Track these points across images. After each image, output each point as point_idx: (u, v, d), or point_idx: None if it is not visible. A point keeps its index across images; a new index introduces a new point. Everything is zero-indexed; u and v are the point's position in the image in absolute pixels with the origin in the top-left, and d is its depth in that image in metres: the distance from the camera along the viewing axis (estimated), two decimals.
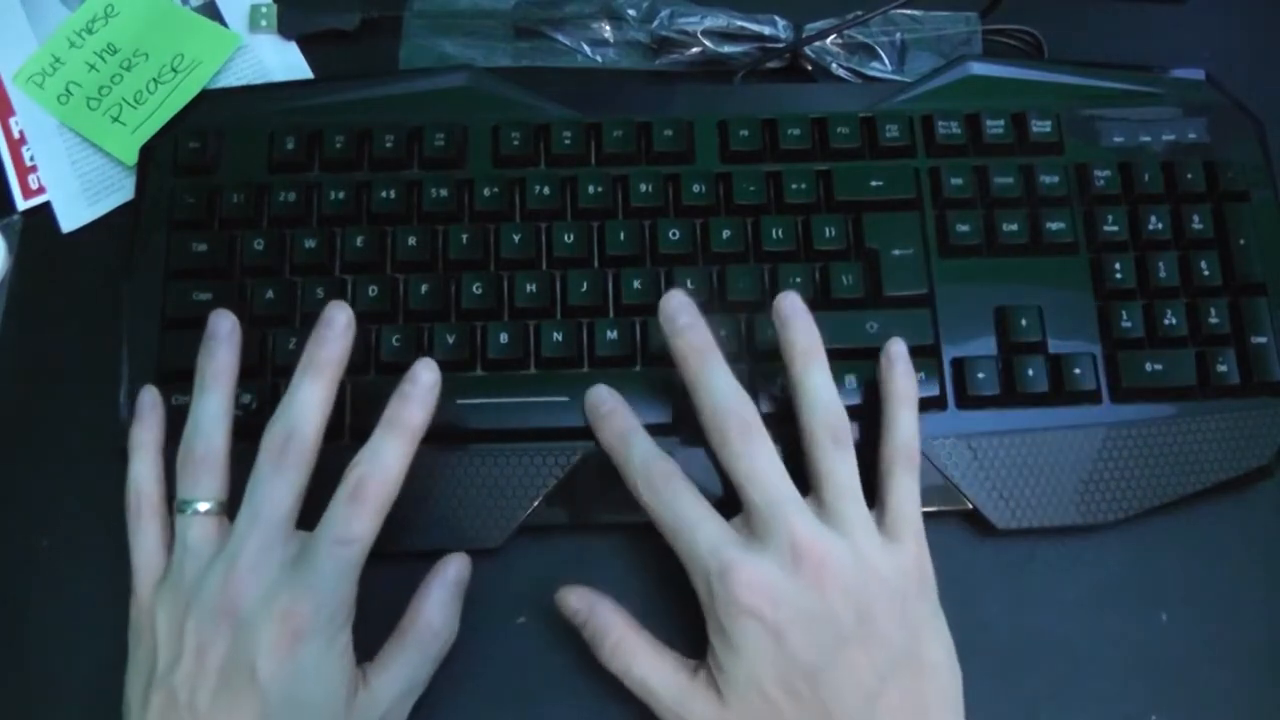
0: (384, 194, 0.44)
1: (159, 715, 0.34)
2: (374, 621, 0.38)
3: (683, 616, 0.41)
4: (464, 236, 0.43)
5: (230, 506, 0.36)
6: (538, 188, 0.44)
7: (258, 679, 0.33)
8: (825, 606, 0.34)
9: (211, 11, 0.51)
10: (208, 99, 0.47)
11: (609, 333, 0.42)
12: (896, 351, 0.40)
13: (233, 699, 0.33)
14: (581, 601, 0.38)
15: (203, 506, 0.36)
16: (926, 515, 0.38)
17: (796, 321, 0.38)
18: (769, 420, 0.41)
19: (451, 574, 0.39)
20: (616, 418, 0.39)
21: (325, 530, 0.35)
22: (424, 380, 0.37)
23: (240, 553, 0.34)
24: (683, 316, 0.38)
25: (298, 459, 0.36)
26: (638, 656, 0.37)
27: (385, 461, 0.36)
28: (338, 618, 0.35)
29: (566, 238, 0.43)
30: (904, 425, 0.38)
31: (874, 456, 0.39)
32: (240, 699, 0.33)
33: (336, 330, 0.38)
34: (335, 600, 0.34)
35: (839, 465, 0.37)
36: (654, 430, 0.41)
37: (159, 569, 0.36)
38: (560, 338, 0.42)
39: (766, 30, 0.49)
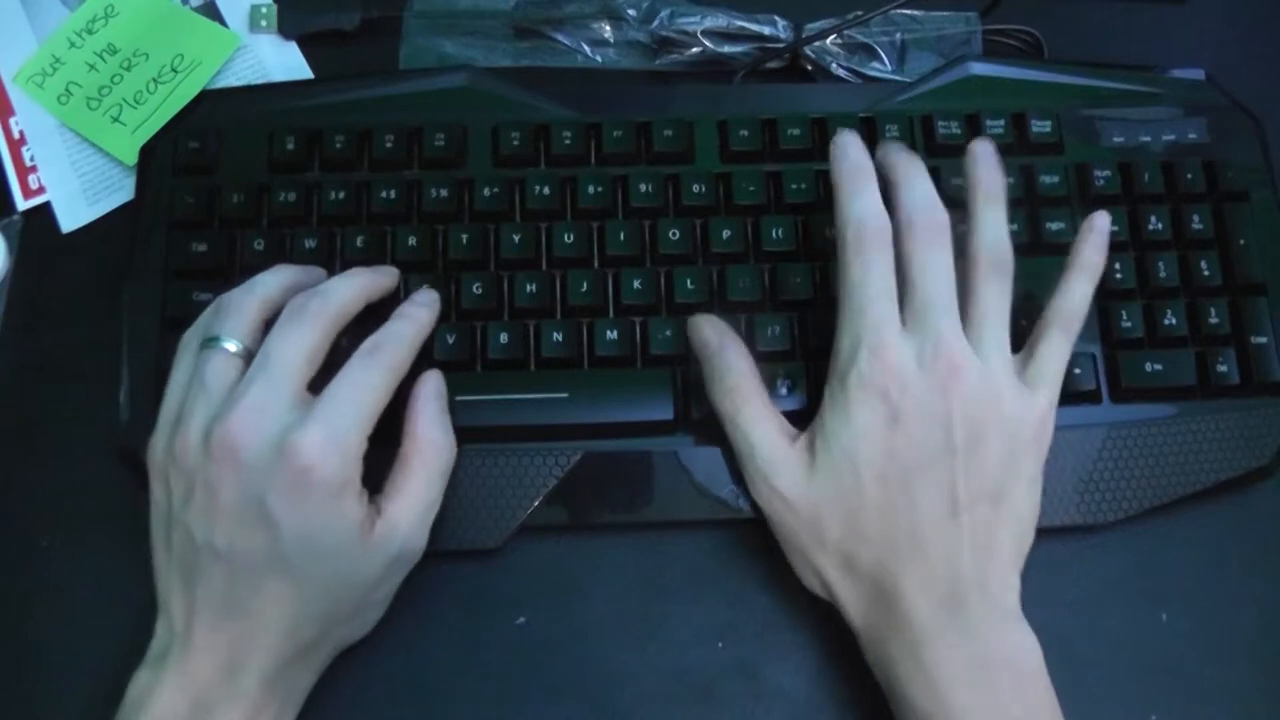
0: (384, 194, 0.44)
1: (180, 553, 0.35)
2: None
3: (684, 616, 0.41)
4: (464, 236, 0.43)
5: None
6: (538, 188, 0.44)
7: (270, 517, 0.34)
8: (944, 411, 0.35)
9: (211, 11, 0.51)
10: (208, 99, 0.47)
11: (609, 333, 0.42)
12: (1100, 224, 0.40)
13: (248, 536, 0.34)
14: (714, 334, 0.39)
15: (229, 345, 0.36)
16: None
17: (987, 161, 0.39)
18: None
19: (432, 389, 0.39)
20: (854, 150, 0.38)
21: (341, 378, 0.36)
22: (430, 293, 0.41)
23: (246, 392, 0.35)
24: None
25: (318, 317, 0.36)
26: (749, 405, 0.38)
27: (401, 333, 0.38)
28: (347, 461, 0.35)
29: (566, 238, 0.43)
30: (1077, 292, 0.39)
31: None
32: (255, 536, 0.34)
33: (393, 273, 0.41)
34: (345, 442, 0.35)
35: (993, 292, 0.37)
36: (654, 429, 0.41)
37: (179, 406, 0.37)
38: (560, 338, 0.42)
39: (766, 30, 0.49)
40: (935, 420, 0.35)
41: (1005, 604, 0.36)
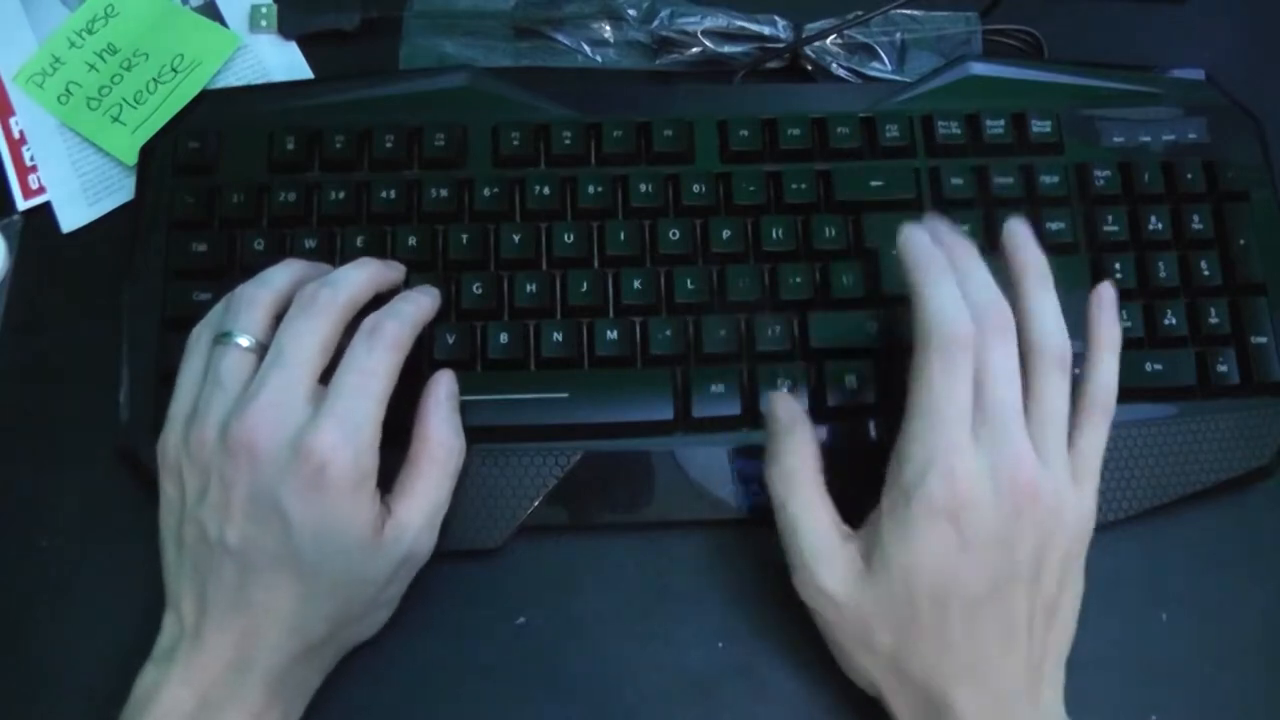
0: (384, 194, 0.44)
1: (193, 550, 0.35)
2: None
3: (684, 616, 0.41)
4: (464, 236, 0.43)
5: None
6: (538, 188, 0.44)
7: (285, 516, 0.34)
8: (1015, 536, 0.34)
9: (211, 11, 0.51)
10: (208, 99, 0.47)
11: (609, 333, 0.42)
12: (1108, 297, 0.38)
13: (260, 533, 0.34)
14: (785, 414, 0.38)
15: (242, 341, 0.36)
16: None
17: (1028, 244, 0.38)
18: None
19: (443, 391, 0.39)
20: (925, 249, 0.36)
21: (346, 365, 0.36)
22: (430, 288, 0.41)
23: (262, 389, 0.35)
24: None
25: (328, 308, 0.36)
26: (802, 492, 0.36)
27: (402, 311, 0.38)
28: (362, 456, 0.35)
29: (566, 238, 0.43)
30: (1105, 370, 0.37)
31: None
32: (267, 533, 0.34)
33: (399, 267, 0.41)
34: (359, 436, 0.35)
35: (1057, 389, 0.36)
36: (654, 429, 0.41)
37: (192, 402, 0.37)
38: (560, 338, 0.42)
39: (766, 30, 0.49)
40: (1004, 546, 0.34)
41: (1052, 713, 0.35)
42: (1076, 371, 0.37)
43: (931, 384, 0.34)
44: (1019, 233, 0.38)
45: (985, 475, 0.34)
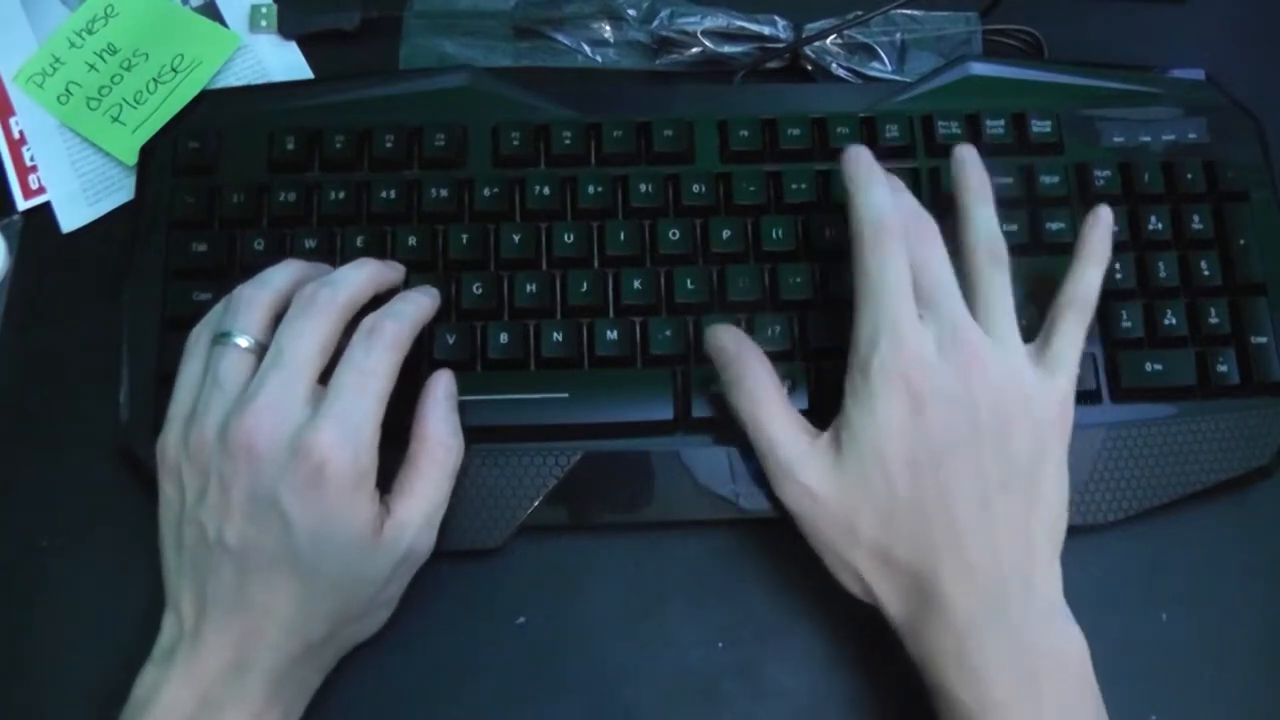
0: (384, 194, 0.44)
1: (192, 550, 0.35)
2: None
3: (684, 616, 0.41)
4: (464, 236, 0.43)
5: None
6: (538, 188, 0.44)
7: (284, 515, 0.34)
8: (968, 395, 0.35)
9: (211, 11, 0.51)
10: (208, 99, 0.47)
11: (609, 333, 0.42)
12: (1105, 218, 0.40)
13: (260, 533, 0.34)
14: (731, 341, 0.39)
15: (241, 341, 0.36)
16: None
17: (973, 163, 0.40)
18: None
19: (442, 390, 0.39)
20: (864, 159, 0.39)
21: (345, 365, 0.36)
22: (430, 288, 0.41)
23: (261, 389, 0.35)
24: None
25: (328, 308, 0.36)
26: (767, 404, 0.38)
27: (401, 311, 0.38)
28: (361, 455, 0.35)
29: (566, 238, 0.43)
30: (1087, 279, 0.39)
31: None
32: (267, 533, 0.34)
33: (399, 268, 0.41)
34: (357, 436, 0.35)
35: (996, 282, 0.37)
36: (654, 429, 0.41)
37: (191, 402, 0.37)
38: (560, 338, 0.42)
39: (766, 30, 0.49)
40: (960, 405, 0.35)
41: (1049, 597, 0.36)
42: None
43: (868, 268, 0.36)
44: (963, 156, 0.40)
45: (930, 340, 0.36)
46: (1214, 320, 0.43)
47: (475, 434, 0.40)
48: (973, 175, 0.40)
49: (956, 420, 0.35)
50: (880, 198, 0.37)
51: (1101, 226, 0.40)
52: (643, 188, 0.44)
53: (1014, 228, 0.44)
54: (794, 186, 0.44)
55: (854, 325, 0.37)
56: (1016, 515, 0.35)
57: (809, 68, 0.50)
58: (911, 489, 0.35)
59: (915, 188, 0.44)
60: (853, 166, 0.39)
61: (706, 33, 0.49)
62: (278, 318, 0.37)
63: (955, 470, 0.35)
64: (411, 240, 0.43)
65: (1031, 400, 0.36)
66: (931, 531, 0.35)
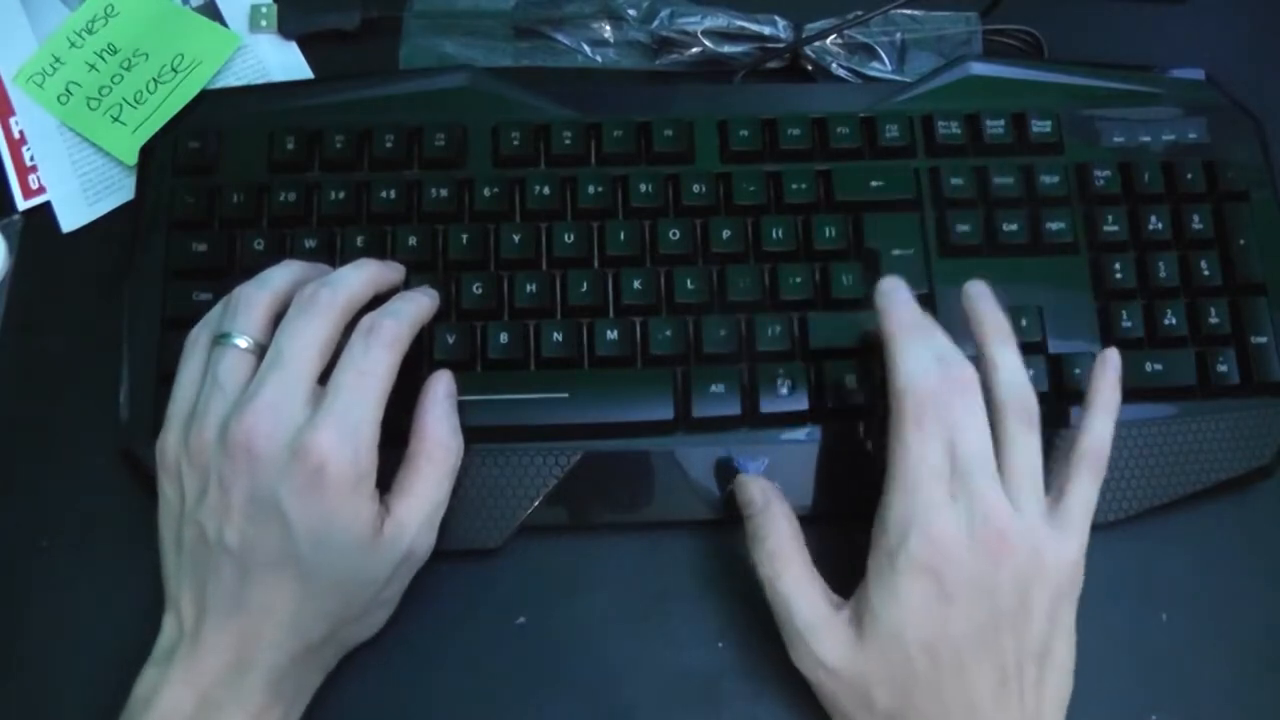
0: (384, 194, 0.44)
1: (192, 550, 0.35)
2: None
3: (684, 616, 0.41)
4: (464, 236, 0.43)
5: None
6: (538, 188, 0.44)
7: (283, 516, 0.34)
8: (994, 581, 0.35)
9: (211, 11, 0.51)
10: (208, 99, 0.47)
11: (609, 333, 0.42)
12: (1113, 362, 0.39)
13: (260, 533, 0.34)
14: (759, 494, 0.39)
15: (241, 342, 0.36)
16: None
17: (985, 302, 0.39)
18: (769, 420, 0.41)
19: (442, 390, 0.39)
20: (903, 307, 0.38)
21: (343, 364, 0.36)
22: (429, 289, 0.41)
23: (260, 390, 0.35)
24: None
25: (328, 309, 0.36)
26: (789, 570, 0.37)
27: (400, 310, 0.38)
28: (360, 455, 0.35)
29: (566, 238, 0.43)
30: (1100, 429, 0.38)
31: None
32: (267, 533, 0.34)
33: (399, 268, 0.41)
34: (357, 436, 0.35)
35: (1027, 444, 0.36)
36: (654, 429, 0.41)
37: (191, 403, 0.37)
38: (560, 338, 0.42)
39: (766, 30, 0.49)
40: (985, 593, 0.34)
41: None
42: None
43: (908, 447, 0.35)
44: (976, 289, 0.39)
45: (962, 529, 0.35)
46: (1214, 320, 0.43)
47: (475, 434, 0.40)
48: (988, 315, 0.38)
49: (980, 610, 0.35)
50: (923, 364, 0.36)
51: (1111, 372, 0.39)
52: (643, 188, 0.44)
53: (1014, 227, 0.44)
54: (794, 186, 0.44)
55: (884, 502, 0.36)
56: (1030, 688, 0.35)
57: (809, 68, 0.50)
58: (930, 672, 0.35)
59: (915, 187, 0.44)
60: (894, 317, 0.37)
61: (706, 33, 0.49)
62: (277, 318, 0.37)
63: (975, 656, 0.35)
64: (411, 240, 0.43)
65: (1048, 570, 0.35)
66: (949, 712, 0.35)
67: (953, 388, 0.36)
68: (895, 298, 0.38)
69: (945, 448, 0.35)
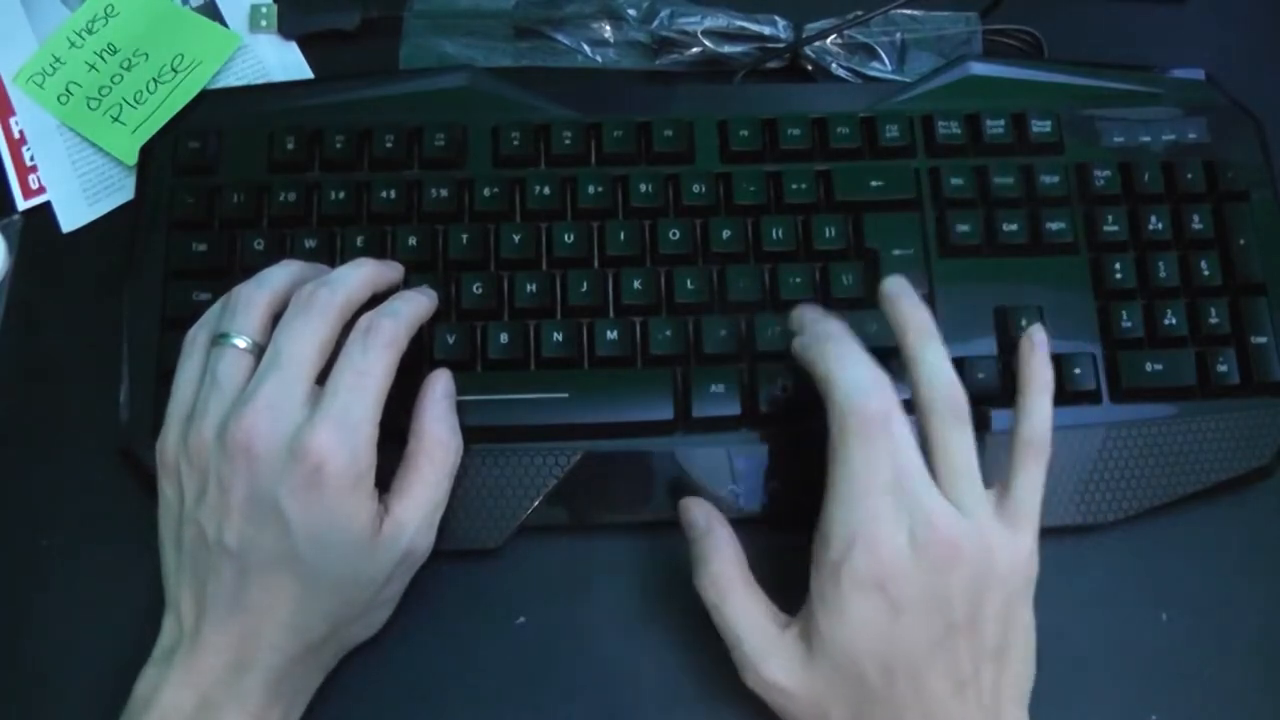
0: (384, 194, 0.44)
1: (191, 551, 0.35)
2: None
3: (682, 616, 0.41)
4: (464, 236, 0.43)
5: None
6: (538, 188, 0.44)
7: (282, 516, 0.34)
8: (945, 590, 0.34)
9: (211, 11, 0.51)
10: (208, 99, 0.47)
11: (609, 333, 0.42)
12: (1039, 338, 0.38)
13: (259, 533, 0.34)
14: (702, 518, 0.38)
15: (239, 342, 0.36)
16: None
17: (905, 299, 0.37)
18: (770, 420, 0.41)
19: (440, 390, 0.39)
20: (834, 329, 0.37)
21: (341, 364, 0.36)
22: (428, 289, 0.41)
23: (259, 390, 0.35)
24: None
25: (326, 309, 0.36)
26: (733, 594, 0.36)
27: (397, 310, 0.38)
28: (359, 455, 0.35)
29: (566, 238, 0.43)
30: (1039, 412, 0.37)
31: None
32: (266, 533, 0.34)
33: (398, 267, 0.41)
34: (355, 435, 0.35)
35: (959, 442, 0.35)
36: (654, 429, 0.41)
37: (190, 403, 0.37)
38: (560, 338, 0.42)
39: (766, 30, 0.49)
40: (935, 604, 0.34)
41: None
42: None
43: (850, 463, 0.34)
44: (895, 287, 0.38)
45: (905, 540, 0.34)
46: (1214, 320, 0.43)
47: (475, 434, 0.40)
48: (910, 313, 0.37)
49: (932, 620, 0.34)
50: (861, 378, 0.35)
51: (1039, 350, 0.38)
52: (643, 188, 0.44)
53: (1014, 227, 0.44)
54: (794, 186, 0.44)
55: (824, 516, 0.35)
56: (987, 689, 0.35)
57: (809, 68, 0.50)
58: (885, 687, 0.34)
59: (915, 187, 0.44)
60: (823, 340, 0.37)
61: (706, 33, 0.49)
62: (276, 318, 0.37)
63: (930, 666, 0.34)
64: (411, 240, 0.43)
65: (1000, 571, 0.35)
66: None
67: (888, 398, 0.35)
68: (823, 323, 0.38)
69: (889, 463, 0.34)
